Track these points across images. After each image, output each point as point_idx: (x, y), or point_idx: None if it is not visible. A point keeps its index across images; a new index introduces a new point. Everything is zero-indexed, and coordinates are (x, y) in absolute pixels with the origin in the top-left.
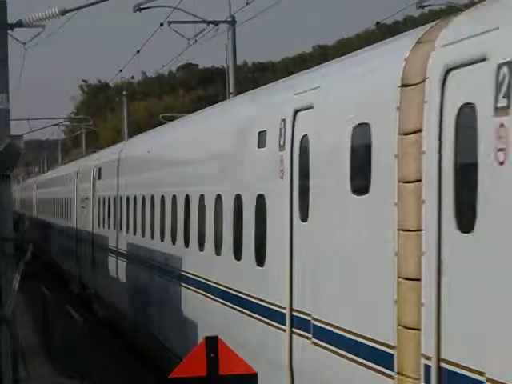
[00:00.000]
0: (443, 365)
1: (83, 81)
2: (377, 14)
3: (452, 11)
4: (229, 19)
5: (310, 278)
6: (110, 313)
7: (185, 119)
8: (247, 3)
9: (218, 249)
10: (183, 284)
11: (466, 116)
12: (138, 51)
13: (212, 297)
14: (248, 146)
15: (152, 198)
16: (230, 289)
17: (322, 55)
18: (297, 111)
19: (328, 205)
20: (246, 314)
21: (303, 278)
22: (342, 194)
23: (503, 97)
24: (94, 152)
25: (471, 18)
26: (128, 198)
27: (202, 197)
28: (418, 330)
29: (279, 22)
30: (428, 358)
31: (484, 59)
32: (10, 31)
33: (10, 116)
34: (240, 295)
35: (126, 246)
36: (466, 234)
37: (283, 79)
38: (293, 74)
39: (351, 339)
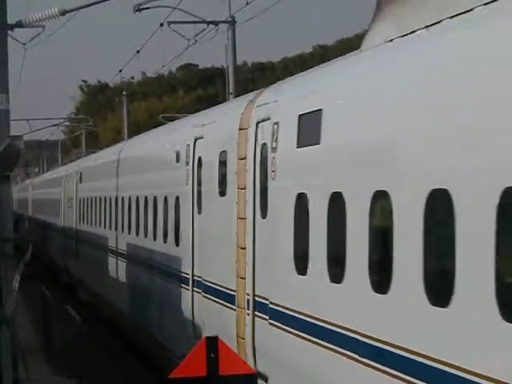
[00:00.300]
0: (256, 298)
1: (83, 81)
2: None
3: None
4: (229, 19)
5: (201, 253)
6: (91, 296)
7: (139, 138)
8: (247, 3)
9: (155, 236)
10: (135, 264)
11: (263, 150)
12: (138, 51)
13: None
14: (170, 161)
15: (113, 199)
16: (165, 266)
17: (322, 55)
18: (196, 139)
19: (209, 202)
20: (172, 282)
21: (199, 254)
22: (215, 196)
23: (275, 141)
24: (94, 152)
25: (271, 90)
26: (100, 199)
27: (145, 197)
28: (244, 278)
29: (279, 22)
30: (248, 295)
31: (269, 119)
32: (9, 31)
33: (9, 116)
34: (161, 267)
35: (100, 238)
36: (264, 220)
37: (193, 115)
38: (292, 74)
39: (219, 289)
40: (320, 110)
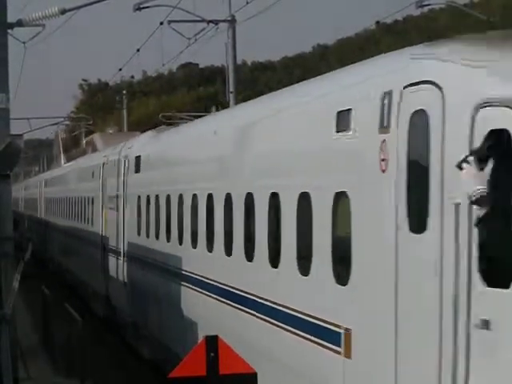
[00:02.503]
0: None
1: (83, 80)
2: (377, 13)
3: (452, 11)
4: (229, 18)
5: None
6: (73, 279)
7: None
8: (247, 2)
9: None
10: (97, 247)
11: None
12: (138, 50)
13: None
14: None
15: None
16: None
17: (323, 54)
18: (104, 163)
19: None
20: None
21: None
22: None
23: (127, 169)
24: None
25: (134, 141)
26: (73, 198)
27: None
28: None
29: (279, 22)
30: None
31: (127, 156)
32: (9, 30)
33: (10, 115)
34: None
35: (73, 229)
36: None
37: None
38: (293, 73)
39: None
40: (139, 156)
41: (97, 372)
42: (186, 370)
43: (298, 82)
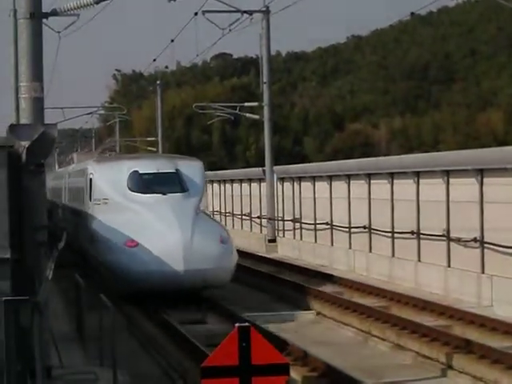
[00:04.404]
0: None
1: (117, 70)
2: (411, 4)
3: (487, 2)
4: (263, 9)
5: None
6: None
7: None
8: None
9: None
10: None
11: None
12: (172, 40)
13: None
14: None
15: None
16: None
17: (357, 45)
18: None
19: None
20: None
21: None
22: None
23: None
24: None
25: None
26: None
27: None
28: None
29: (313, 12)
30: None
31: None
32: (44, 20)
33: (44, 104)
34: None
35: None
36: None
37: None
38: (326, 64)
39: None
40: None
41: (130, 360)
42: (219, 359)
43: (331, 72)
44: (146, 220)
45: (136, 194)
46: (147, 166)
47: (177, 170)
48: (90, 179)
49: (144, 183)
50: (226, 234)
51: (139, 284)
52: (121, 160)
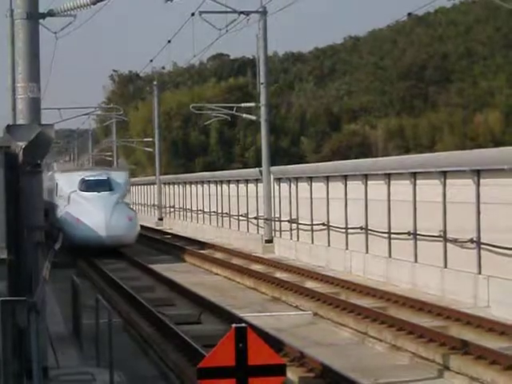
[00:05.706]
0: None
1: (114, 71)
2: (408, 4)
3: (484, 3)
4: (260, 9)
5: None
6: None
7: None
8: None
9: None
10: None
11: None
12: (169, 41)
13: None
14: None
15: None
16: None
17: (354, 46)
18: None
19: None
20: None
21: None
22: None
23: None
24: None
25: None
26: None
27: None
28: None
29: (310, 13)
30: None
31: None
32: (41, 20)
33: (40, 105)
34: None
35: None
36: None
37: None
38: (323, 65)
39: None
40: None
41: (126, 362)
42: (215, 360)
43: (328, 73)
44: (87, 207)
45: (82, 192)
46: (90, 175)
47: (108, 177)
48: (57, 183)
49: (87, 185)
50: (133, 216)
51: (81, 243)
52: (75, 171)
